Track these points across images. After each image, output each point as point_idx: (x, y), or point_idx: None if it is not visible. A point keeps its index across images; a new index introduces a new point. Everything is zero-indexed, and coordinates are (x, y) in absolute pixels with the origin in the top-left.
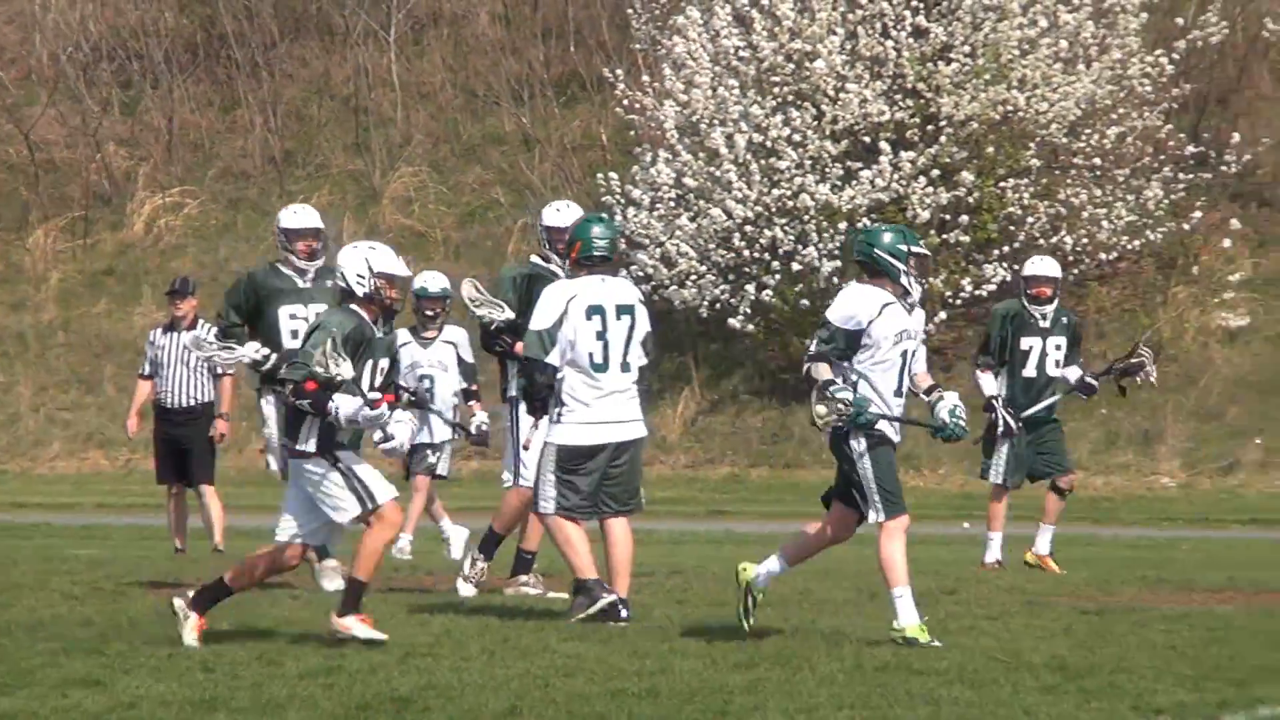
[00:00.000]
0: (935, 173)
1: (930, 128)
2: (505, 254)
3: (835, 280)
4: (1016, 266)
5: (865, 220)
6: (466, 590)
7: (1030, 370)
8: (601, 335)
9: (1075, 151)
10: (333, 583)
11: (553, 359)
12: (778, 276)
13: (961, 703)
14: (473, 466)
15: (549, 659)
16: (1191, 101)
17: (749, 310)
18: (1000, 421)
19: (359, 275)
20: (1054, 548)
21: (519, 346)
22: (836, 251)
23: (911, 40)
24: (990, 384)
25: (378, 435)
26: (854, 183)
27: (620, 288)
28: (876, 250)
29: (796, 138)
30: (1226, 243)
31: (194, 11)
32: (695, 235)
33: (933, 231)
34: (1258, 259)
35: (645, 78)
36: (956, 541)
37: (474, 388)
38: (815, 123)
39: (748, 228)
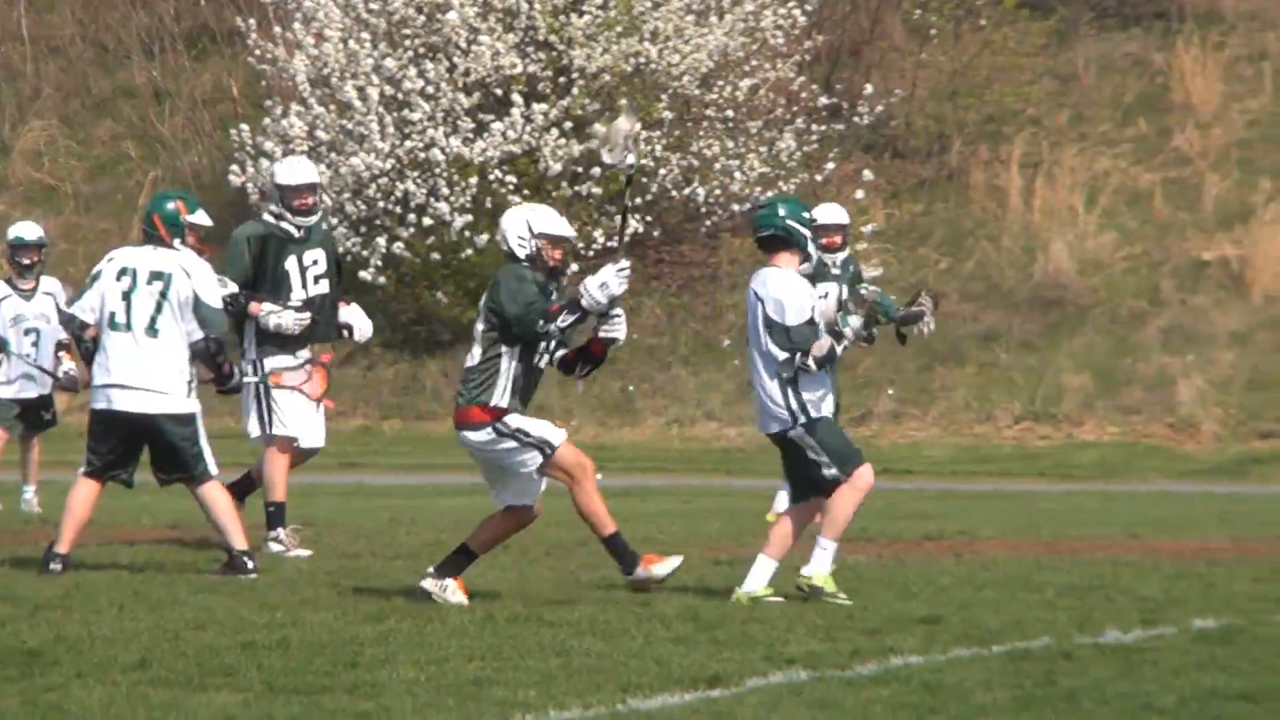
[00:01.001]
0: (568, 125)
1: (562, 80)
2: (136, 207)
3: (466, 234)
4: (650, 219)
5: (496, 172)
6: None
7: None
8: (127, 296)
9: (708, 104)
10: None
11: (77, 310)
12: (410, 230)
13: (593, 654)
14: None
15: (179, 612)
16: (824, 53)
17: (380, 263)
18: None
19: (520, 237)
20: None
21: (254, 307)
22: (469, 205)
23: None
24: None
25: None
26: (485, 135)
27: (161, 256)
28: (789, 221)
29: (429, 90)
30: (859, 194)
31: None
32: (328, 186)
33: (565, 184)
34: (890, 210)
35: (276, 30)
36: None
37: (67, 339)
38: (448, 75)
39: (381, 180)
